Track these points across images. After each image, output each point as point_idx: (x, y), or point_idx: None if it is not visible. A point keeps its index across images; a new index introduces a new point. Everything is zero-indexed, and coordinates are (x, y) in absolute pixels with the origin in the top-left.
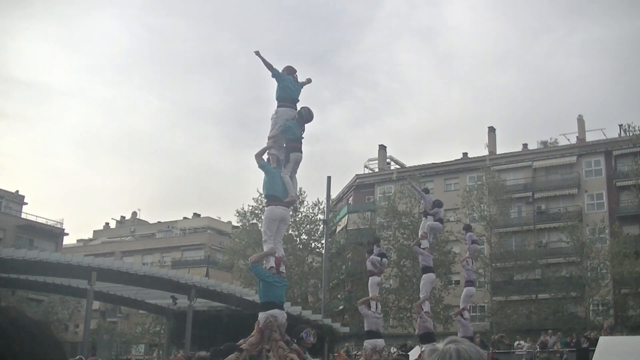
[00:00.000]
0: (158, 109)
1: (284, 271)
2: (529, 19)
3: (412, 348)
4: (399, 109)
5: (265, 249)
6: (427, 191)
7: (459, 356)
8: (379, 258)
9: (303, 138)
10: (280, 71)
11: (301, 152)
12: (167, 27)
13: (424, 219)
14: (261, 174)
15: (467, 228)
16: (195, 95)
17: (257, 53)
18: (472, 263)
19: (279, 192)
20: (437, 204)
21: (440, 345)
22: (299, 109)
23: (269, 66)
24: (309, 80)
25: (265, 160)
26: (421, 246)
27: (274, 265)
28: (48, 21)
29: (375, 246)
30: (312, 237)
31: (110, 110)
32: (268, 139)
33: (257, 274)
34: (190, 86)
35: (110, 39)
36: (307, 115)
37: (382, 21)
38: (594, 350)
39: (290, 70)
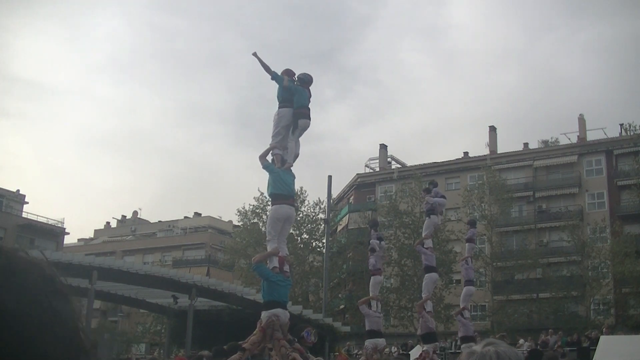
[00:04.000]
0: (160, 107)
1: (288, 270)
2: (531, 18)
3: (412, 347)
4: (401, 108)
5: (269, 248)
6: (435, 184)
7: (498, 358)
8: (378, 242)
9: (310, 103)
10: (279, 74)
11: (310, 119)
12: (170, 25)
13: (427, 218)
14: (263, 172)
15: (471, 223)
16: (198, 94)
17: (255, 54)
18: (471, 262)
19: (284, 191)
20: (434, 184)
21: (477, 347)
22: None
23: (267, 69)
24: None
25: (270, 160)
26: (424, 246)
27: (277, 265)
28: (51, 20)
29: (373, 230)
30: (313, 237)
31: (113, 109)
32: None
33: (261, 274)
34: (193, 85)
35: (113, 37)
36: (306, 78)
37: (385, 19)
38: (595, 349)
39: (289, 73)
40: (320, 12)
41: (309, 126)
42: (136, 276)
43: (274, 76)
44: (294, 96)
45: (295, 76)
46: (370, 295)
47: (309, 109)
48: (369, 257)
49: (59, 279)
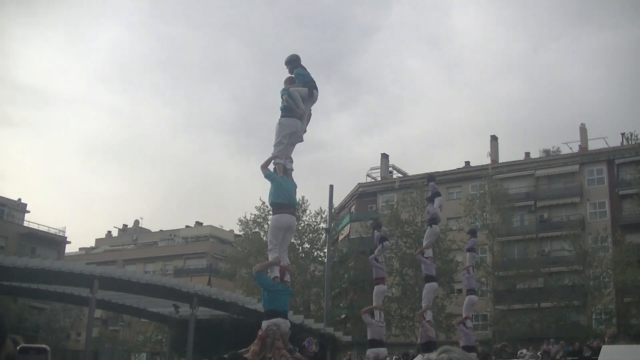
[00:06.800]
0: (164, 116)
1: (289, 280)
2: (534, 27)
3: (414, 357)
4: (403, 116)
5: (270, 257)
6: (432, 178)
7: None
8: (381, 245)
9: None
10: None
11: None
12: (175, 34)
13: (428, 228)
14: (264, 182)
15: (472, 233)
16: (200, 103)
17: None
18: (473, 271)
19: (286, 200)
20: (430, 178)
21: (433, 355)
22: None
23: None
24: None
25: (272, 169)
26: (425, 255)
27: (278, 275)
28: (55, 28)
29: (376, 231)
30: (315, 246)
31: (116, 118)
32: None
33: (262, 284)
34: (195, 93)
35: (116, 46)
36: (293, 57)
37: (389, 28)
38: (597, 359)
39: (291, 81)
40: (324, 21)
41: (317, 99)
42: (137, 285)
43: (284, 92)
44: (303, 78)
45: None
46: (374, 304)
47: (314, 81)
48: (372, 267)
49: None
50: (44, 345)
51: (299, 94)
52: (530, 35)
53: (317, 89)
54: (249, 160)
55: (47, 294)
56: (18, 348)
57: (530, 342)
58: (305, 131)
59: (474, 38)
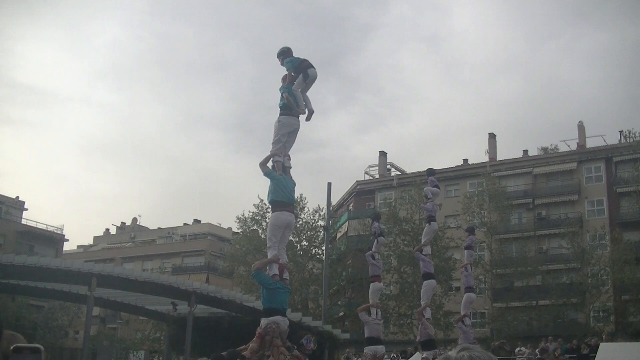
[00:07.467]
0: (162, 115)
1: (288, 278)
2: (532, 26)
3: (412, 354)
4: (401, 115)
5: (269, 255)
6: (432, 172)
7: None
8: (376, 241)
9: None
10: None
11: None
12: (173, 33)
13: (427, 225)
14: (263, 180)
15: (470, 231)
16: (199, 102)
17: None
18: (471, 269)
19: (285, 198)
20: (430, 172)
21: (452, 352)
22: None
23: (297, 102)
24: None
25: (270, 167)
26: (423, 252)
27: (277, 272)
28: (53, 27)
29: (375, 222)
30: (313, 244)
31: (114, 116)
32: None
33: (260, 281)
34: (194, 92)
35: (115, 44)
36: (284, 48)
37: (387, 27)
38: (595, 356)
39: (287, 78)
40: (323, 19)
41: (317, 75)
42: (135, 283)
43: (282, 89)
44: (293, 63)
45: (286, 59)
46: (370, 302)
47: (307, 60)
48: (369, 264)
49: None
50: (37, 345)
51: (299, 85)
52: (529, 33)
53: (312, 67)
54: (247, 158)
55: (45, 291)
56: (12, 347)
57: (528, 339)
58: (313, 111)
59: (472, 36)
